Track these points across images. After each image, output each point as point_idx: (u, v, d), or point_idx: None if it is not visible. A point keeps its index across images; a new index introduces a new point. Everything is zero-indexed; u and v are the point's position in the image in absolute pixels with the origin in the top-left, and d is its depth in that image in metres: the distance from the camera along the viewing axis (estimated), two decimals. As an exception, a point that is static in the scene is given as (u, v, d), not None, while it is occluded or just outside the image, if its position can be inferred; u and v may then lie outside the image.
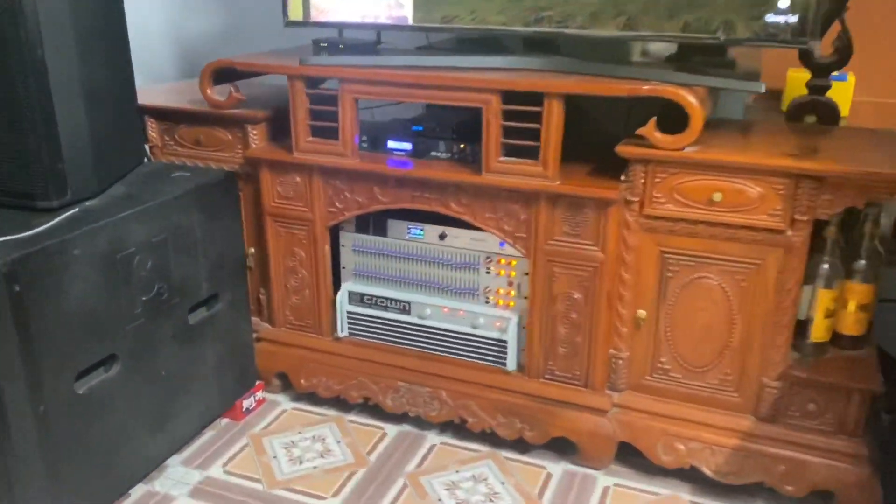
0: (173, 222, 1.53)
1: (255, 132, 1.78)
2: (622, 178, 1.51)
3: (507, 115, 1.51)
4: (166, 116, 1.86)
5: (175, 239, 1.54)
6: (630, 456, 1.66)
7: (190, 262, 1.59)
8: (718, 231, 1.46)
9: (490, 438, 1.75)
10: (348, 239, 1.82)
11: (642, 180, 1.48)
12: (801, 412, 1.52)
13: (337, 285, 1.86)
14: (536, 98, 1.47)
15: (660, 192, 1.48)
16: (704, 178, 1.43)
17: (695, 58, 1.70)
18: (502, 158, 1.55)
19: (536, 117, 1.49)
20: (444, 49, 1.87)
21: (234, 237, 1.75)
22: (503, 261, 1.68)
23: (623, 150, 1.46)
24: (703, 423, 1.58)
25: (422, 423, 1.82)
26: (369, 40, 1.88)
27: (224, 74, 1.77)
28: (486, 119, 1.52)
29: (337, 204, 1.75)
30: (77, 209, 1.44)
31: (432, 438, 1.81)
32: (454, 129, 1.67)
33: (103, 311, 1.40)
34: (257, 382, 1.91)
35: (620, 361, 1.62)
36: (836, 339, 1.54)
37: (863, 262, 1.49)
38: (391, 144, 1.72)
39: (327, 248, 1.81)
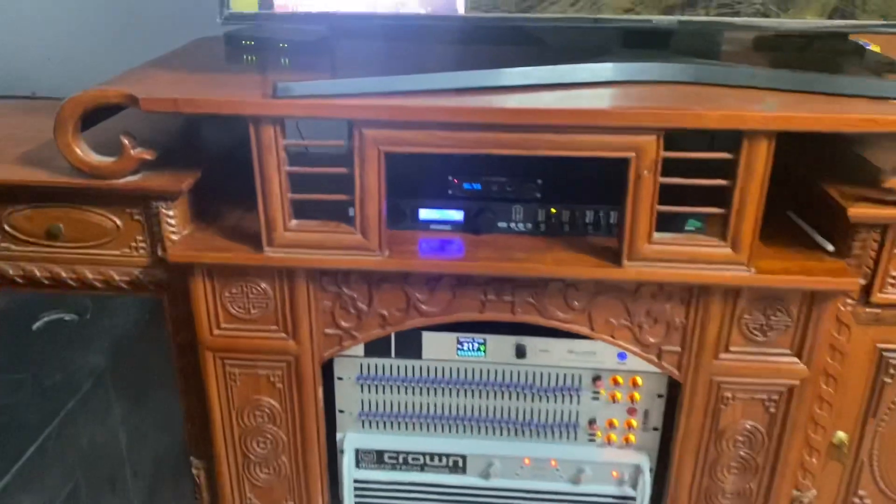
0: (81, 445, 0.74)
1: (172, 214, 0.99)
2: (830, 249, 0.97)
3: (668, 167, 0.90)
4: (-18, 194, 1.00)
5: (88, 475, 0.75)
6: None
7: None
8: (979, 317, 0.97)
9: None
10: (350, 367, 1.11)
11: (874, 253, 0.95)
12: None
13: (331, 440, 1.14)
14: (692, 139, 0.88)
15: (900, 268, 0.96)
16: (978, 245, 0.93)
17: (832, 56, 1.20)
18: (658, 237, 0.93)
19: (713, 169, 0.89)
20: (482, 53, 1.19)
21: (173, 418, 0.97)
22: (621, 380, 1.08)
23: (860, 212, 0.91)
24: (924, 573, 1.12)
25: None
26: (315, 36, 1.16)
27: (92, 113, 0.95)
28: (634, 175, 0.89)
29: (342, 323, 1.03)
30: None
31: None
32: (539, 181, 1.02)
33: None
34: None
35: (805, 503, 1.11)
36: None
37: None
38: (426, 214, 1.03)
39: (320, 392, 1.08)
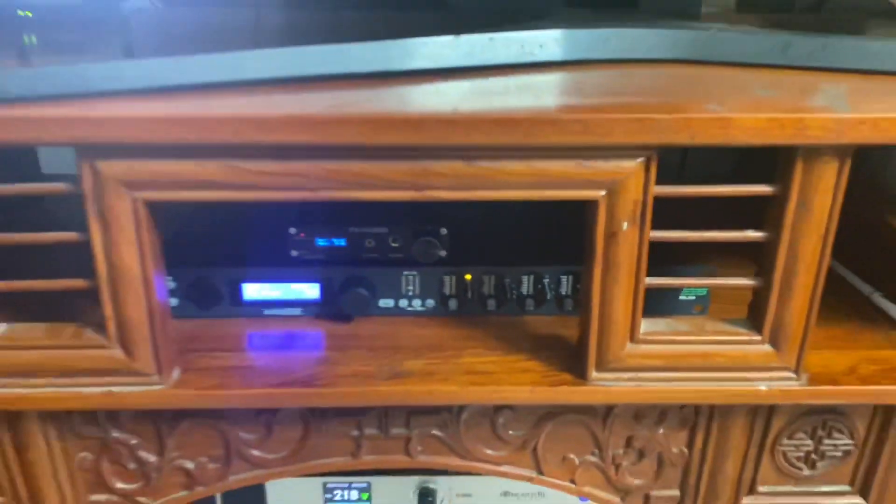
0: None
1: None
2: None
3: (662, 209, 0.50)
4: None
5: None
6: None
7: None
8: None
9: None
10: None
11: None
12: None
13: None
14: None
15: None
16: None
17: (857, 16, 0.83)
18: (648, 329, 0.54)
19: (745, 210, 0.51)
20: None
21: None
22: (584, 529, 0.69)
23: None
24: None
25: None
26: None
27: None
28: (604, 229, 0.50)
29: (117, 485, 0.60)
30: None
31: None
32: (441, 232, 0.61)
33: None
34: None
35: None
36: None
37: None
38: (254, 292, 0.61)
39: (100, 583, 0.65)
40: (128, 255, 0.49)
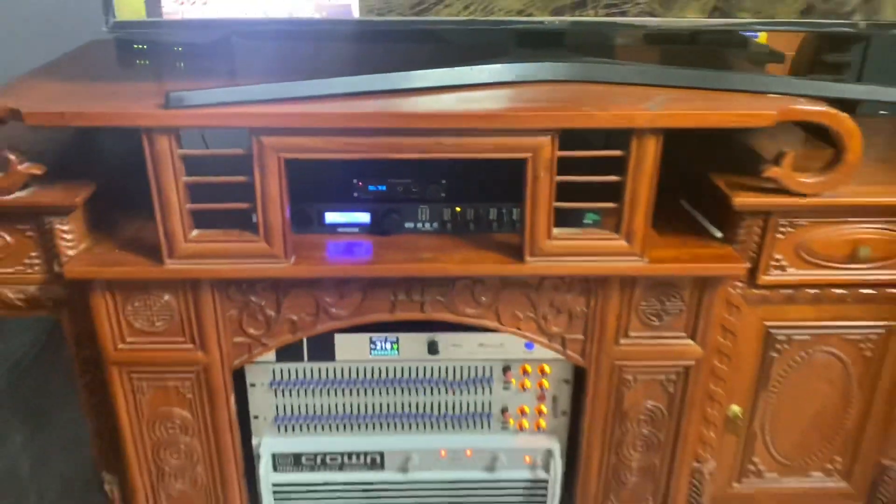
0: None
1: (67, 228, 0.96)
2: (718, 235, 1.03)
3: (571, 164, 0.93)
4: None
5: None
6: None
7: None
8: (851, 293, 1.05)
9: None
10: (262, 373, 1.10)
11: (758, 239, 1.01)
12: (925, 490, 1.21)
13: (248, 446, 1.14)
14: (593, 136, 0.92)
15: (781, 252, 1.02)
16: (848, 227, 1.01)
17: (718, 49, 1.26)
18: (557, 232, 0.96)
19: (605, 166, 0.93)
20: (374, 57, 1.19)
21: (79, 440, 0.94)
22: (530, 369, 1.12)
23: (744, 200, 0.97)
24: (813, 530, 1.21)
25: None
26: (211, 39, 1.13)
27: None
28: (531, 176, 0.92)
29: (250, 331, 1.02)
30: None
31: None
32: (444, 182, 1.03)
33: None
34: None
35: (705, 475, 1.17)
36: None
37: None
38: (333, 218, 1.03)
39: (232, 400, 1.07)
40: (273, 189, 0.91)
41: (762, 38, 2.03)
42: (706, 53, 1.26)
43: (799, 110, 0.90)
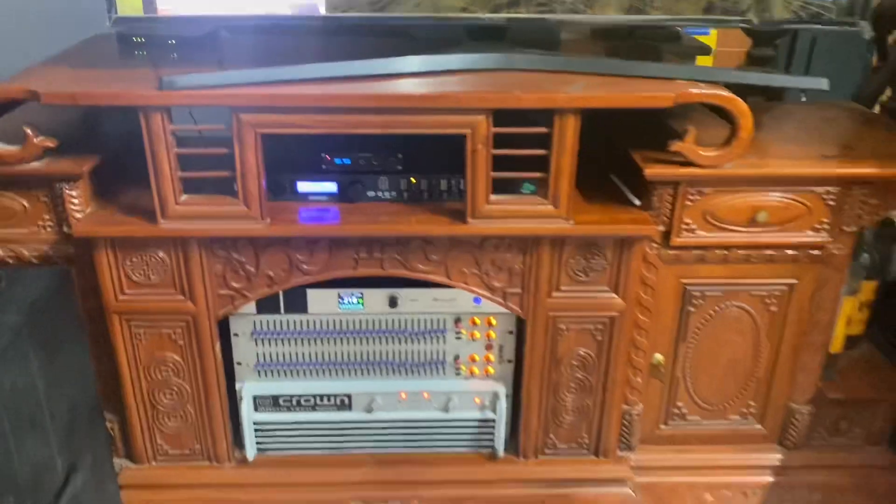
0: (5, 388, 0.88)
1: (75, 194, 1.12)
2: (637, 203, 1.19)
3: (497, 140, 1.09)
4: None
5: (12, 415, 0.89)
6: (644, 516, 1.40)
7: (36, 440, 0.95)
8: (754, 254, 1.22)
9: (483, 542, 1.38)
10: (245, 324, 1.27)
11: (669, 205, 1.18)
12: (829, 431, 1.38)
13: (232, 389, 1.30)
14: (530, 112, 1.08)
15: (690, 217, 1.18)
16: (747, 195, 1.17)
17: (641, 42, 1.42)
18: (494, 198, 1.13)
19: (532, 139, 1.09)
20: (344, 49, 1.35)
21: (84, 367, 1.11)
22: (478, 321, 1.28)
23: (654, 171, 1.13)
24: (731, 466, 1.38)
25: (386, 543, 1.38)
26: (201, 32, 1.29)
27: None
28: (471, 149, 1.08)
29: (233, 284, 1.19)
30: None
31: (407, 561, 1.38)
32: (400, 156, 1.19)
33: None
34: (132, 552, 1.30)
35: (634, 416, 1.34)
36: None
37: (867, 255, 1.36)
38: (304, 187, 1.19)
39: (218, 346, 1.24)
40: (250, 159, 1.07)
41: (713, 34, 2.20)
42: (641, 47, 1.42)
43: (693, 93, 1.06)
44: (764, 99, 1.56)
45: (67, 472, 1.05)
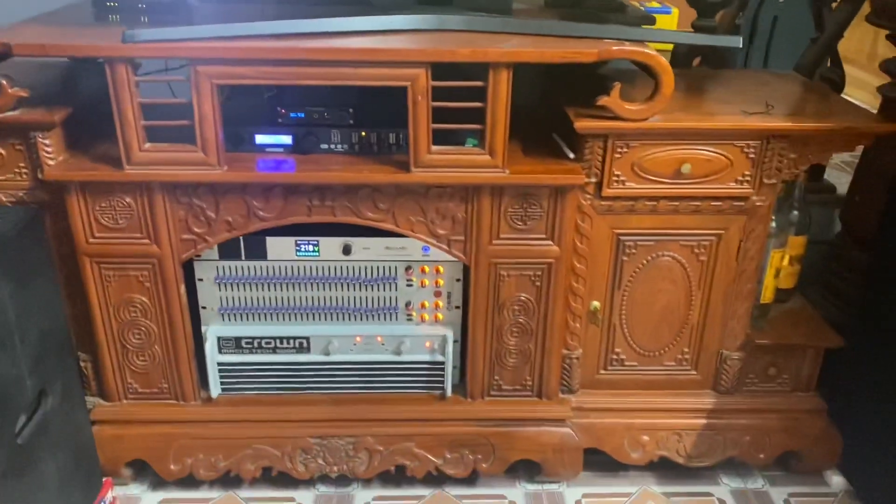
0: (-26, 309, 0.98)
1: (48, 142, 1.21)
2: (571, 156, 1.28)
3: (437, 94, 1.18)
4: None
5: (-20, 335, 0.99)
6: (587, 455, 1.49)
7: (6, 360, 1.04)
8: (682, 205, 1.30)
9: (434, 479, 1.47)
10: (208, 270, 1.36)
11: (600, 158, 1.26)
12: (759, 377, 1.46)
13: (197, 332, 1.40)
14: (470, 69, 1.16)
15: (620, 169, 1.27)
16: (672, 148, 1.26)
17: (599, 13, 1.51)
18: (435, 148, 1.22)
19: (472, 94, 1.18)
20: (294, 7, 1.44)
21: (53, 301, 1.20)
22: (427, 269, 1.37)
23: (584, 124, 1.22)
24: (666, 409, 1.47)
25: (344, 479, 1.47)
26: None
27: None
28: (412, 100, 1.17)
29: (195, 229, 1.28)
30: None
31: (362, 495, 1.47)
32: (351, 111, 1.28)
33: None
34: (104, 480, 1.39)
35: (574, 360, 1.43)
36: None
37: (796, 213, 1.45)
38: (261, 139, 1.28)
39: (182, 288, 1.33)
40: (207, 109, 1.16)
41: (675, 12, 2.29)
42: (586, 15, 1.51)
43: (614, 50, 1.15)
44: (711, 68, 1.65)
45: (38, 395, 1.14)
